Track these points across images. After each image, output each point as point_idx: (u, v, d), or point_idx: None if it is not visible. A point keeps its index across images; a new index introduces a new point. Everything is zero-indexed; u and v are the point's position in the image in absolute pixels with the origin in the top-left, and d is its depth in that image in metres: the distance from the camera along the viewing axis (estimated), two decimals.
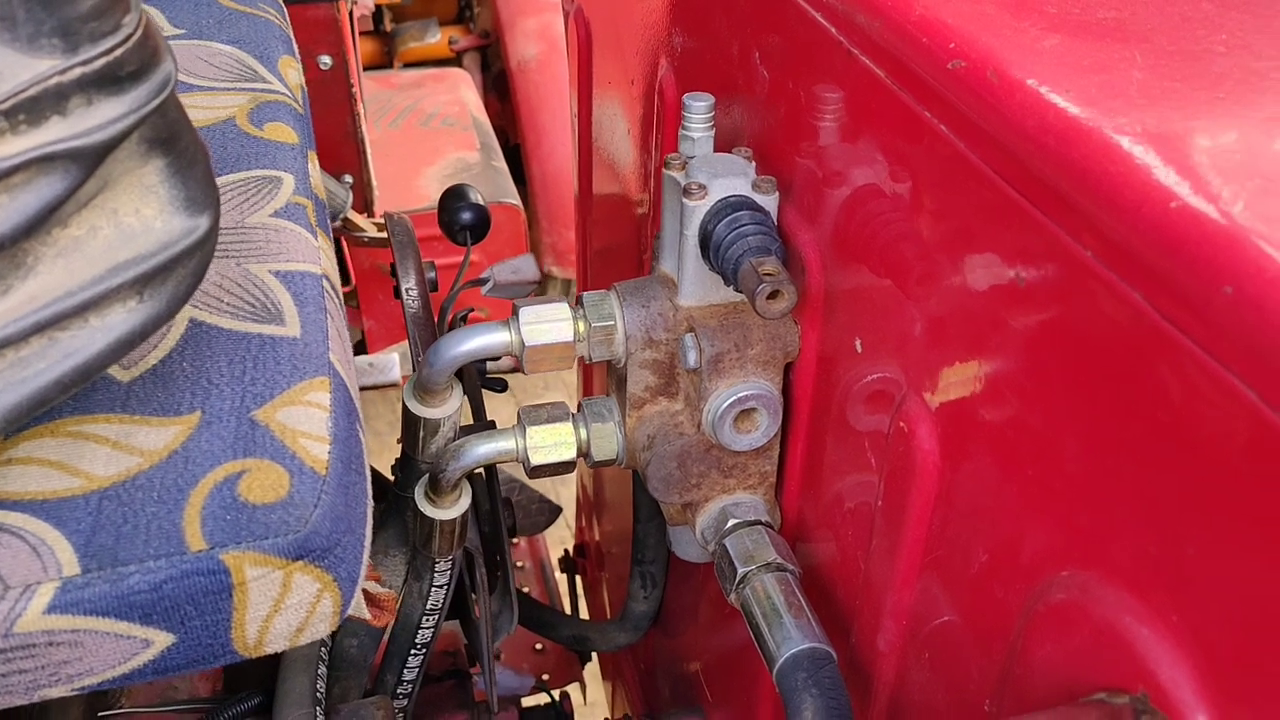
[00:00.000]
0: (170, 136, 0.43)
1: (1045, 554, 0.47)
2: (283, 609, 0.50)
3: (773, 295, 0.59)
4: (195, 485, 0.50)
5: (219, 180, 0.68)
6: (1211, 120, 0.43)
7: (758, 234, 0.63)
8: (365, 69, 3.08)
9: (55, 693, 0.49)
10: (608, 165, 1.20)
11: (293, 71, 0.79)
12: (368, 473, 0.57)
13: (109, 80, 0.40)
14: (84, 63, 0.39)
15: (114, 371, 0.54)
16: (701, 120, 0.69)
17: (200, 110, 0.72)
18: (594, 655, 1.58)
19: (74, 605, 0.47)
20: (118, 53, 0.40)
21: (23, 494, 0.49)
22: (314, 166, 0.72)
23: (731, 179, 0.65)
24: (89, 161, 0.40)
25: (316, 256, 0.63)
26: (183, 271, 0.46)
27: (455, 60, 3.35)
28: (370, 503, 0.57)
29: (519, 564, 1.73)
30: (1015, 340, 0.47)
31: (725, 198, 0.64)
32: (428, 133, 2.64)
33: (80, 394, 0.53)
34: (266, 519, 0.49)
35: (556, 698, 1.36)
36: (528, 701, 1.40)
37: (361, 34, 3.28)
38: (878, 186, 0.58)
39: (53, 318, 0.42)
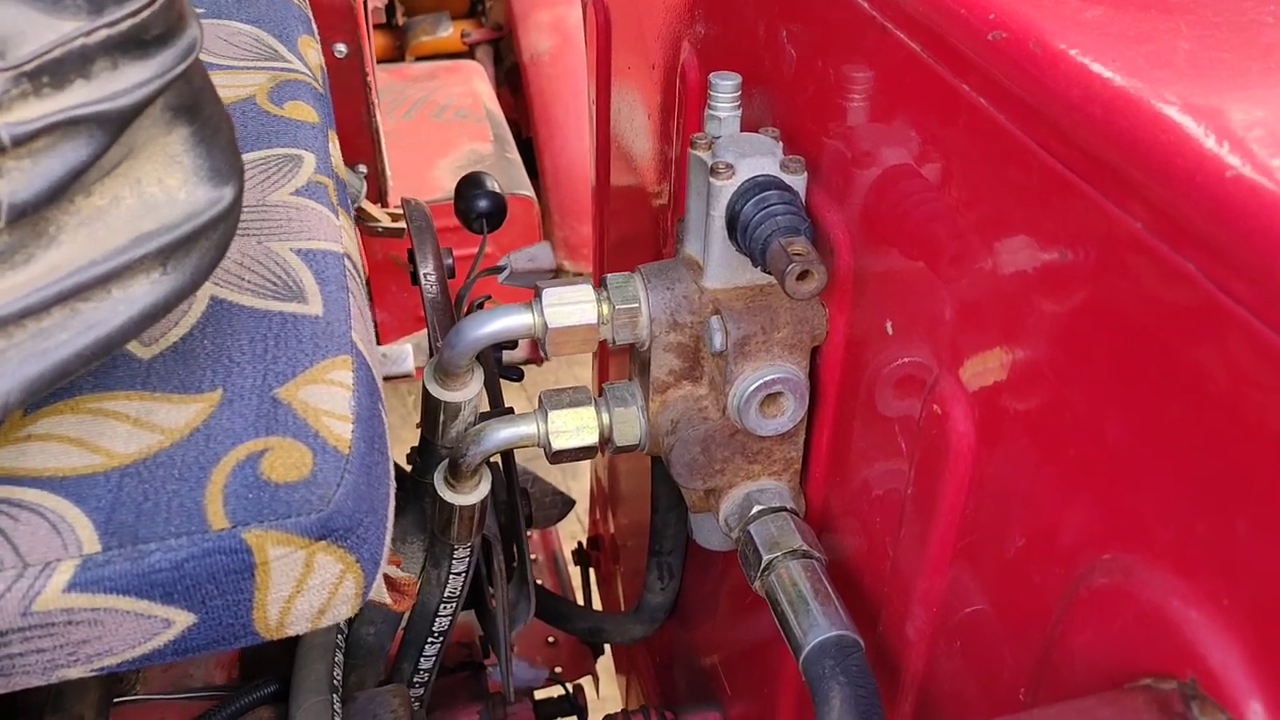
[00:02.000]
0: (195, 104, 0.43)
1: (1086, 537, 0.45)
2: (305, 589, 0.50)
3: (803, 275, 0.58)
4: (217, 463, 0.49)
5: None
6: (1264, 90, 0.41)
7: (786, 213, 0.61)
8: (377, 62, 3.07)
9: (74, 673, 0.48)
10: (626, 155, 1.19)
11: (312, 51, 0.78)
12: (390, 453, 0.56)
13: (134, 43, 0.39)
14: (109, 24, 0.38)
15: (134, 348, 0.54)
16: (728, 99, 0.68)
17: (220, 89, 0.71)
18: (607, 649, 1.57)
19: (94, 584, 0.46)
20: (144, 15, 0.39)
21: (42, 470, 0.48)
22: (334, 146, 0.72)
23: (759, 158, 0.64)
24: (114, 127, 0.39)
25: (338, 235, 0.62)
26: (206, 243, 0.45)
27: (468, 54, 3.34)
28: (392, 483, 0.56)
29: (532, 556, 1.72)
30: (1057, 318, 0.46)
31: (753, 177, 0.63)
32: (441, 124, 2.64)
33: (100, 371, 0.52)
34: (289, 498, 0.49)
35: (570, 690, 1.36)
36: (541, 694, 1.39)
37: (374, 27, 3.28)
38: (911, 165, 0.57)
39: (75, 288, 0.41)
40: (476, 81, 2.88)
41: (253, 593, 0.48)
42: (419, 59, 3.35)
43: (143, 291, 0.43)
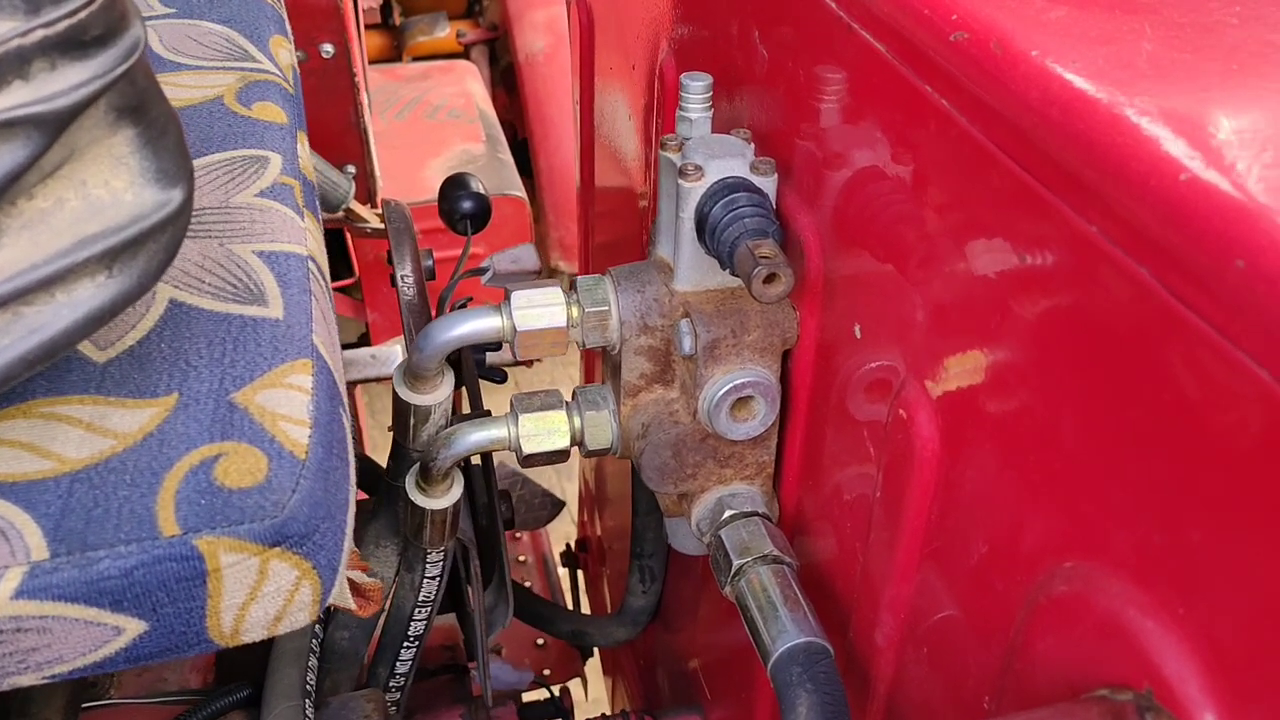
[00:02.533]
0: (140, 105, 0.42)
1: (1047, 545, 0.45)
2: (259, 597, 0.49)
3: (769, 279, 0.58)
4: (170, 469, 0.49)
5: (203, 160, 0.66)
6: (1224, 93, 0.41)
7: (755, 216, 0.61)
8: (373, 63, 3.07)
9: (25, 680, 0.47)
10: (610, 156, 1.18)
11: (284, 51, 0.78)
12: (351, 459, 0.56)
13: (73, 44, 0.38)
14: (46, 25, 0.37)
15: (89, 352, 0.53)
16: (699, 100, 0.67)
17: (187, 90, 0.71)
18: (596, 651, 1.57)
19: (42, 590, 0.45)
20: (82, 15, 0.38)
21: None
22: (303, 147, 0.71)
23: (729, 160, 0.63)
24: (52, 128, 0.38)
25: (302, 237, 0.62)
26: (154, 246, 0.44)
27: (464, 54, 3.34)
28: (353, 489, 0.55)
29: (521, 558, 1.71)
30: (1018, 323, 0.45)
31: (722, 179, 0.63)
32: (433, 125, 2.63)
33: (53, 375, 0.52)
34: (242, 503, 0.48)
35: (556, 693, 1.35)
36: (527, 697, 1.39)
37: (369, 27, 3.27)
38: (879, 167, 0.56)
39: (16, 291, 0.40)
40: (470, 82, 2.88)
41: (205, 600, 0.48)
42: (416, 59, 3.34)
43: (88, 295, 0.42)
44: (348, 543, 0.53)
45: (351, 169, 1.79)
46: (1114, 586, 0.41)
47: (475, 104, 2.76)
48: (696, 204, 0.63)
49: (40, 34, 0.37)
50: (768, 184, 0.63)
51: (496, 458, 1.00)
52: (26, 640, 0.46)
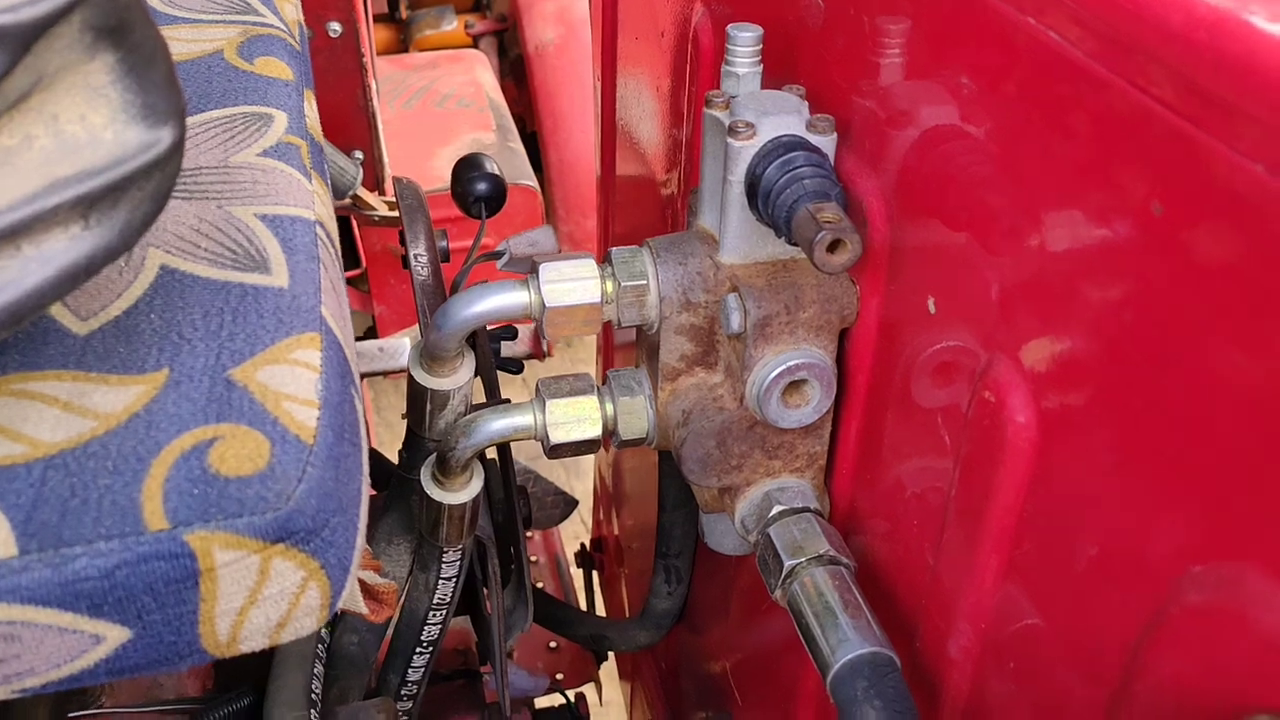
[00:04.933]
0: (121, 25, 0.36)
1: (1179, 546, 0.38)
2: (260, 600, 0.43)
3: (834, 245, 0.51)
4: (158, 454, 0.42)
5: (200, 117, 0.60)
6: None
7: (815, 177, 0.54)
8: (380, 55, 3.01)
9: None
10: (632, 144, 1.12)
11: (290, 6, 0.72)
12: (364, 445, 0.50)
13: None
14: None
15: (68, 322, 0.47)
16: (748, 54, 0.61)
17: (184, 44, 0.65)
18: (610, 654, 1.51)
19: (9, 593, 0.39)
20: None
21: None
22: (311, 107, 0.65)
23: (783, 116, 0.57)
24: (16, 43, 0.32)
25: (310, 200, 0.56)
26: (139, 194, 0.38)
27: (472, 46, 3.28)
28: (366, 479, 0.49)
29: (533, 558, 1.66)
30: (1144, 287, 0.39)
31: (777, 137, 0.56)
32: (443, 113, 2.58)
33: (27, 347, 0.45)
34: (241, 494, 0.42)
35: (572, 699, 1.29)
36: (541, 702, 1.33)
37: (377, 20, 3.22)
38: (957, 123, 0.50)
39: None
40: (479, 71, 2.82)
41: (197, 604, 0.42)
42: (422, 52, 3.29)
43: (60, 248, 0.36)
44: (360, 539, 0.47)
45: (359, 154, 1.73)
46: (1267, 593, 0.34)
47: (485, 93, 2.70)
48: (748, 165, 0.57)
49: None
50: (826, 144, 0.57)
51: None
52: None
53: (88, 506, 0.41)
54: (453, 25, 3.38)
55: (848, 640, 0.54)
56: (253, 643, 0.44)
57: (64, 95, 0.35)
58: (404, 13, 3.44)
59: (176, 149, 0.39)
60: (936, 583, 0.55)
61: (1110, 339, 0.41)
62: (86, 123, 0.36)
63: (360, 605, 0.55)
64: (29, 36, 0.33)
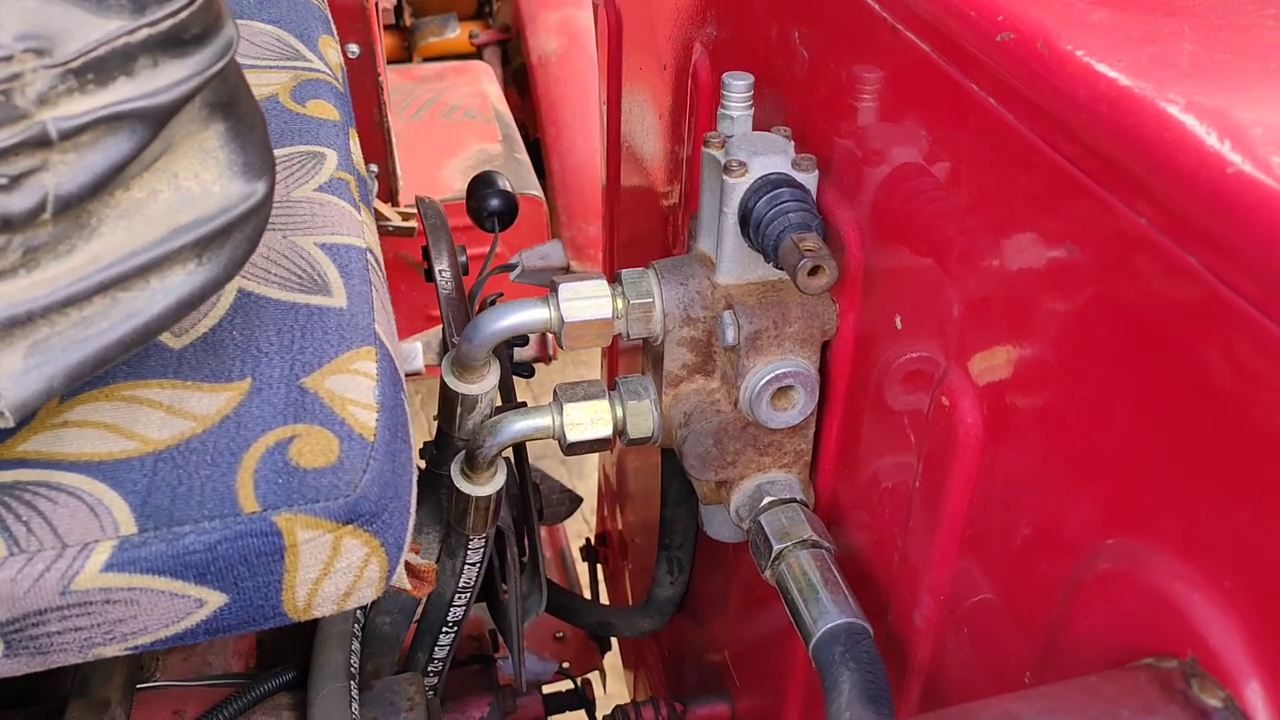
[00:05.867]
0: (230, 101, 0.44)
1: (1091, 524, 0.47)
2: (332, 572, 0.51)
3: (814, 270, 0.60)
4: (248, 449, 0.51)
5: None
6: (1264, 90, 0.43)
7: (798, 210, 0.63)
8: (385, 63, 3.08)
9: (110, 651, 0.50)
10: (636, 157, 1.20)
11: (332, 51, 0.80)
12: (413, 442, 0.58)
13: (174, 42, 0.40)
14: (151, 24, 0.39)
15: (165, 339, 0.55)
16: (741, 99, 0.69)
17: None
18: (614, 645, 1.59)
19: (131, 564, 0.47)
20: (183, 15, 0.40)
21: (79, 455, 0.50)
22: (355, 144, 0.73)
23: (772, 156, 0.65)
24: (155, 122, 0.41)
25: (360, 230, 0.64)
26: (239, 236, 0.46)
27: (475, 55, 3.35)
28: (415, 471, 0.57)
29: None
30: (1064, 312, 0.47)
31: (765, 175, 0.65)
32: (450, 125, 2.65)
33: (133, 360, 0.54)
34: (317, 483, 0.50)
35: (579, 684, 1.37)
36: (549, 689, 1.40)
37: (383, 28, 3.29)
38: (920, 164, 0.58)
39: (115, 278, 0.42)
40: (485, 82, 2.90)
41: (282, 574, 0.50)
42: (426, 60, 3.36)
43: (179, 281, 0.44)
44: (411, 522, 0.55)
45: (374, 167, 1.81)
46: (1159, 561, 0.43)
47: (491, 104, 2.78)
48: (740, 199, 0.65)
49: (145, 32, 0.39)
50: (809, 180, 0.66)
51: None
52: (114, 612, 0.48)
53: (192, 492, 0.49)
54: (456, 32, 3.44)
55: (827, 612, 0.62)
56: (324, 608, 0.53)
57: (183, 157, 0.44)
58: (408, 20, 3.50)
59: (268, 197, 0.47)
60: (905, 562, 0.63)
61: (1038, 352, 0.49)
62: (200, 179, 0.44)
63: (405, 582, 0.63)
64: (166, 115, 0.41)
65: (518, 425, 0.73)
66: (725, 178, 0.65)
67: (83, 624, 0.48)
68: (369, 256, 0.63)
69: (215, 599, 0.49)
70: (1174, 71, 0.44)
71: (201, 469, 0.50)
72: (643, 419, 0.74)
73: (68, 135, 0.39)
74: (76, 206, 0.41)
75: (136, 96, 0.40)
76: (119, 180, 0.42)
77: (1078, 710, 0.38)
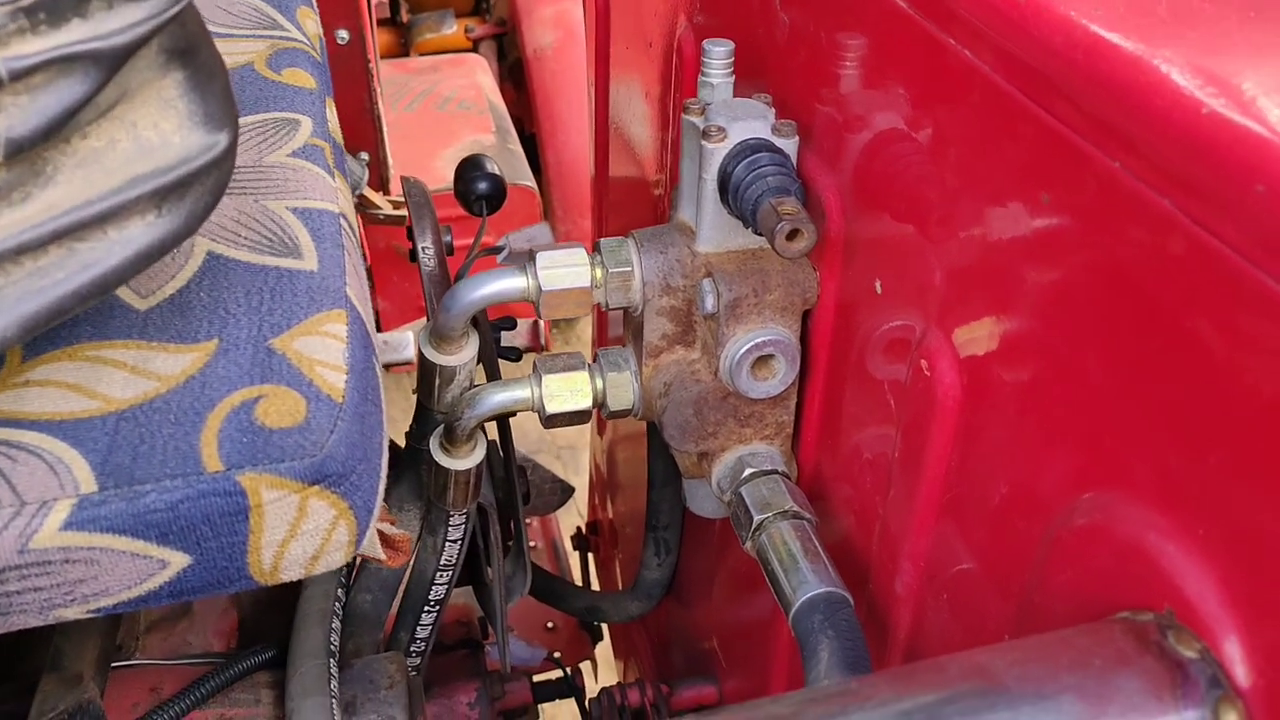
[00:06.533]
0: (189, 48, 0.43)
1: (1067, 479, 0.46)
2: (299, 534, 0.50)
3: (792, 234, 0.59)
4: (212, 409, 0.50)
5: None
6: (1241, 36, 0.42)
7: (777, 175, 0.62)
8: (381, 59, 3.08)
9: (70, 613, 0.49)
10: (625, 145, 1.19)
11: (310, 21, 0.79)
12: (383, 406, 0.57)
13: None
14: None
15: (131, 299, 0.54)
16: (721, 65, 0.68)
17: None
18: (606, 636, 1.58)
19: (90, 522, 0.47)
20: None
21: (40, 414, 0.49)
22: (332, 112, 0.72)
23: (751, 121, 0.64)
24: (108, 65, 0.40)
25: (334, 195, 0.63)
26: (200, 188, 0.45)
27: (472, 50, 3.35)
28: (385, 436, 0.56)
29: (531, 544, 1.73)
30: (1042, 265, 0.46)
31: (744, 140, 0.64)
32: (444, 116, 2.65)
33: (98, 320, 0.53)
34: (283, 442, 0.49)
35: (569, 672, 1.36)
36: (539, 677, 1.40)
37: (378, 24, 3.29)
38: (899, 126, 0.57)
39: (71, 226, 0.42)
40: (479, 74, 2.89)
41: (247, 535, 0.49)
42: (423, 56, 3.35)
43: (138, 233, 0.44)
44: (382, 486, 0.54)
45: (365, 156, 1.80)
46: (1133, 513, 0.42)
47: (485, 96, 2.78)
48: (719, 165, 0.64)
49: None
50: (789, 145, 0.65)
51: None
52: (74, 571, 0.47)
53: (154, 451, 0.48)
54: (453, 29, 3.44)
55: (807, 582, 0.61)
56: (291, 572, 0.52)
57: (141, 106, 0.43)
58: (405, 16, 3.50)
59: (231, 150, 0.46)
60: (885, 531, 0.63)
61: (1014, 312, 0.48)
62: (159, 129, 0.43)
63: (379, 552, 0.62)
64: (120, 58, 0.40)
65: (496, 397, 0.73)
66: (704, 143, 0.64)
67: (42, 584, 0.47)
68: (342, 221, 0.62)
69: (178, 560, 0.48)
70: (1151, 19, 0.43)
71: (164, 428, 0.49)
72: (623, 390, 0.73)
73: (19, 76, 0.38)
74: (30, 151, 0.40)
75: (90, 38, 0.39)
76: (75, 126, 0.41)
77: (1048, 660, 0.37)
